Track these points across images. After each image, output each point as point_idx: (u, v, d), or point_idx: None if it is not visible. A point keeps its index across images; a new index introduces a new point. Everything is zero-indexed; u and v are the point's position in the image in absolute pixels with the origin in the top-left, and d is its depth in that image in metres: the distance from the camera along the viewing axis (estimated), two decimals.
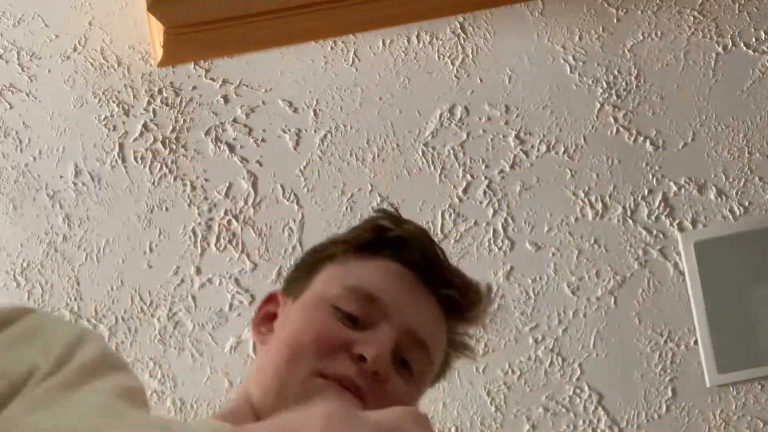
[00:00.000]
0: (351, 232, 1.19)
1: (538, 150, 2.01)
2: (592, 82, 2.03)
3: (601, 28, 2.05)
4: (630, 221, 2.00)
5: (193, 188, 1.97)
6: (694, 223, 2.00)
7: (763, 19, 2.06)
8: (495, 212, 1.99)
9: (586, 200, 2.00)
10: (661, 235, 2.00)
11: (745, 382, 1.97)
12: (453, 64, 2.02)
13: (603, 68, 2.04)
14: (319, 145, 1.99)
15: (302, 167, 1.99)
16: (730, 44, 2.06)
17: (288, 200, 1.98)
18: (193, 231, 1.96)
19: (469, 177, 2.00)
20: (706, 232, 1.99)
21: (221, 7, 1.93)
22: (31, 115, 1.96)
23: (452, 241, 1.98)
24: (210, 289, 1.95)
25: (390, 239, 1.14)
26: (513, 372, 1.95)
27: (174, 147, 1.97)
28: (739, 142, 2.03)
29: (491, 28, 2.03)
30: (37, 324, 0.72)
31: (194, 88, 1.99)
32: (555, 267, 1.99)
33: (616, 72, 2.04)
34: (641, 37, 2.05)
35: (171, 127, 1.98)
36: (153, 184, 1.96)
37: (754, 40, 2.06)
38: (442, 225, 1.98)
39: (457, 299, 1.14)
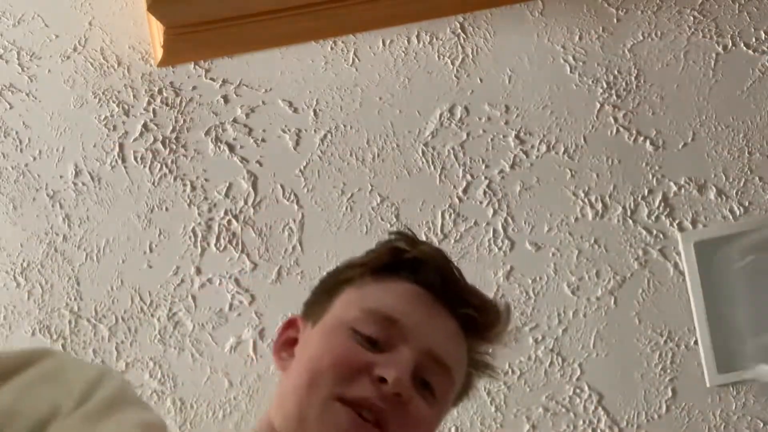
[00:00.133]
0: (367, 255, 1.19)
1: (538, 150, 2.01)
2: (592, 82, 2.03)
3: (601, 28, 2.05)
4: (630, 221, 2.00)
5: (193, 188, 1.97)
6: (694, 223, 2.00)
7: (763, 19, 2.06)
8: (495, 212, 1.99)
9: (586, 200, 2.00)
10: (661, 235, 2.00)
11: (745, 382, 1.97)
12: (453, 64, 2.02)
13: (603, 68, 2.04)
14: (319, 145, 1.99)
15: (302, 167, 1.99)
16: (730, 44, 2.06)
17: (288, 200, 1.98)
18: (193, 231, 1.96)
19: (469, 177, 2.00)
20: (706, 232, 1.99)
21: (221, 7, 1.93)
22: (31, 115, 1.96)
23: (452, 241, 1.98)
24: (210, 289, 1.95)
25: (406, 261, 1.15)
26: (513, 372, 1.95)
27: (174, 147, 1.97)
28: (739, 142, 2.03)
29: (491, 28, 2.03)
30: (58, 365, 0.73)
31: (194, 88, 1.99)
32: (555, 267, 1.99)
33: (616, 72, 2.04)
34: (641, 37, 2.05)
35: (171, 127, 1.98)
36: (153, 184, 1.96)
37: (754, 40, 2.06)
38: (442, 225, 1.98)
39: (475, 318, 1.14)
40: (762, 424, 1.97)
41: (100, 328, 1.92)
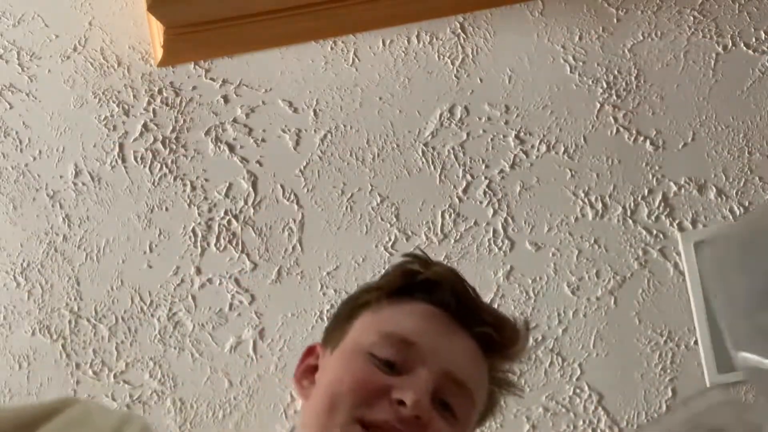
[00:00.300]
0: (382, 278, 1.20)
1: (538, 150, 2.01)
2: (592, 82, 2.03)
3: (601, 28, 2.05)
4: (630, 221, 2.00)
5: (193, 188, 1.97)
6: (694, 223, 2.00)
7: (763, 19, 2.07)
8: (495, 212, 1.99)
9: (586, 200, 2.00)
10: (661, 235, 2.00)
11: (745, 382, 1.97)
12: (453, 64, 2.02)
13: (603, 68, 2.04)
14: (319, 145, 1.99)
15: (302, 167, 1.99)
16: (730, 44, 2.06)
17: (288, 200, 1.98)
18: (193, 231, 1.96)
19: (469, 177, 2.00)
20: (706, 232, 1.99)
21: (221, 7, 1.93)
22: (31, 115, 1.96)
23: (452, 241, 1.98)
24: (210, 289, 1.95)
25: (421, 282, 1.15)
26: (513, 372, 1.95)
27: (174, 147, 1.97)
28: (739, 142, 2.03)
29: (491, 28, 2.03)
30: (84, 411, 0.77)
31: (194, 88, 1.99)
32: (555, 267, 1.99)
33: (616, 72, 2.04)
34: (641, 37, 2.05)
35: (171, 127, 1.98)
36: (153, 184, 1.96)
37: (754, 40, 2.06)
38: (442, 225, 1.98)
39: (493, 336, 1.15)
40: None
41: (100, 328, 1.92)
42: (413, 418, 1.05)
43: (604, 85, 2.03)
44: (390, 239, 1.97)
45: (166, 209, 1.96)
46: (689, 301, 1.97)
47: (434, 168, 2.00)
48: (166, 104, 1.98)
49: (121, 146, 1.97)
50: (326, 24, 1.99)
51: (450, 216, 1.99)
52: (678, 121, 2.03)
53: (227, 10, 1.93)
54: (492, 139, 2.01)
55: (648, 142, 2.02)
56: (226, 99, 1.99)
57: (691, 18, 2.06)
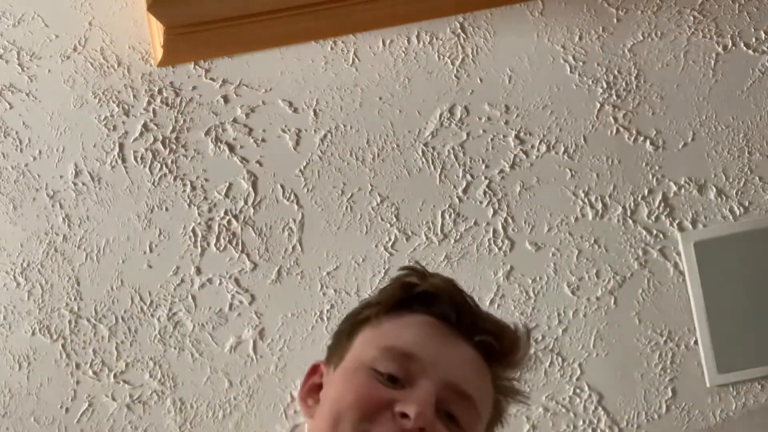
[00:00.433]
0: (381, 293, 1.20)
1: (538, 150, 2.01)
2: (592, 82, 2.03)
3: (601, 28, 2.05)
4: (630, 221, 2.00)
5: (193, 188, 1.96)
6: (694, 223, 2.00)
7: (763, 19, 2.06)
8: (495, 212, 1.99)
9: (586, 200, 2.00)
10: (661, 235, 2.00)
11: (745, 382, 1.97)
12: (453, 64, 2.02)
13: (603, 68, 2.04)
14: (319, 145, 1.99)
15: (302, 167, 1.98)
16: (730, 44, 2.06)
17: (288, 200, 1.98)
18: (193, 231, 1.96)
19: (469, 177, 2.00)
20: (706, 232, 1.99)
21: (221, 7, 1.92)
22: (31, 115, 1.96)
23: (452, 241, 1.98)
24: (210, 289, 1.95)
25: (419, 294, 1.16)
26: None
27: (174, 147, 1.97)
28: (739, 142, 2.03)
29: (491, 28, 2.03)
30: None
31: (194, 88, 1.99)
32: (555, 267, 1.99)
33: (616, 72, 2.04)
34: (641, 37, 2.05)
35: (171, 127, 1.98)
36: (153, 184, 1.96)
37: (754, 40, 2.06)
38: (442, 225, 1.98)
39: (494, 345, 1.15)
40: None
41: (100, 328, 1.92)
42: (417, 430, 1.05)
43: (604, 85, 2.03)
44: (390, 239, 1.97)
45: (166, 209, 1.96)
46: (689, 301, 1.97)
47: (434, 168, 2.00)
48: (166, 104, 1.98)
49: (121, 146, 1.96)
50: (326, 24, 1.98)
51: (450, 216, 1.99)
52: (678, 121, 2.03)
53: (227, 10, 1.93)
54: (492, 139, 2.01)
55: (648, 142, 2.02)
56: (226, 99, 1.99)
57: (691, 18, 2.06)
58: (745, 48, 2.06)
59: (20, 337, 1.91)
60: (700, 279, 1.97)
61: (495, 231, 1.99)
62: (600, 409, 1.96)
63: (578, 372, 1.97)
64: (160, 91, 1.98)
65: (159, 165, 1.96)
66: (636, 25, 2.05)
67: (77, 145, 1.96)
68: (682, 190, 2.01)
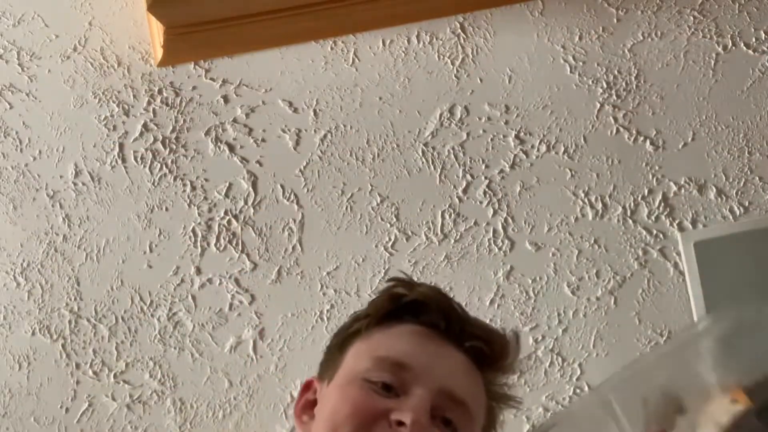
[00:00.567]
0: (370, 305, 1.21)
1: (538, 150, 2.01)
2: (592, 82, 2.03)
3: (601, 28, 2.05)
4: (630, 221, 2.00)
5: (193, 188, 1.97)
6: (694, 223, 2.00)
7: (763, 19, 2.07)
8: (495, 212, 1.99)
9: (586, 200, 2.00)
10: (661, 235, 2.00)
11: None
12: (453, 64, 2.02)
13: (603, 68, 2.04)
14: (319, 145, 1.99)
15: (302, 167, 1.99)
16: (730, 44, 2.06)
17: (288, 200, 1.98)
18: (193, 231, 1.96)
19: (469, 177, 2.00)
20: (706, 232, 1.99)
21: (221, 7, 1.92)
22: (31, 115, 1.96)
23: (452, 241, 1.98)
24: (210, 289, 1.95)
25: (407, 304, 1.16)
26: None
27: (174, 147, 1.97)
28: (739, 142, 2.03)
29: (491, 28, 2.03)
30: None
31: (194, 88, 1.99)
32: (555, 267, 1.99)
33: (616, 72, 2.04)
34: (641, 37, 2.05)
35: (171, 127, 1.98)
36: (153, 184, 1.96)
37: (754, 40, 2.06)
38: (442, 225, 1.98)
39: (483, 350, 1.16)
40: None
41: (100, 328, 1.92)
42: None
43: (604, 85, 2.03)
44: (390, 239, 1.97)
45: (166, 209, 1.96)
46: (689, 301, 1.97)
47: (434, 168, 2.00)
48: (166, 104, 1.98)
49: (121, 146, 1.96)
50: (326, 24, 1.98)
51: (450, 216, 1.99)
52: (678, 121, 2.03)
53: (227, 10, 1.93)
54: (492, 139, 2.01)
55: (648, 142, 2.02)
56: (226, 99, 1.99)
57: (691, 18, 2.06)
58: (745, 48, 2.06)
59: (20, 337, 1.91)
60: (700, 279, 1.97)
61: (495, 231, 1.99)
62: None
63: (578, 372, 1.97)
64: (160, 91, 1.98)
65: (159, 165, 1.96)
66: (636, 25, 2.05)
67: (77, 145, 1.96)
68: (682, 190, 2.01)
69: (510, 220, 1.99)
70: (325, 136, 1.99)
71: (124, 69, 1.98)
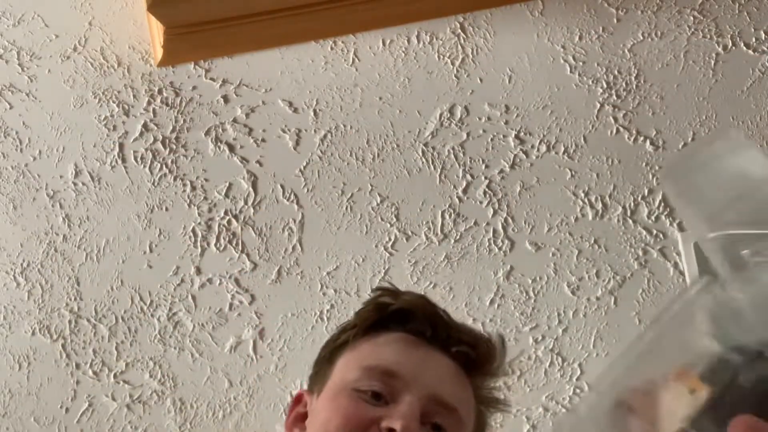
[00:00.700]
0: (356, 316, 1.22)
1: (538, 150, 2.01)
2: (592, 82, 2.03)
3: (601, 28, 2.05)
4: (630, 221, 2.00)
5: (193, 188, 1.97)
6: None
7: (763, 19, 2.07)
8: (495, 212, 1.99)
9: (586, 200, 2.00)
10: (661, 235, 2.00)
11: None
12: (453, 64, 2.02)
13: (603, 68, 2.04)
14: (319, 145, 1.99)
15: (302, 167, 1.99)
16: (730, 44, 2.06)
17: (288, 200, 1.98)
18: (193, 231, 1.96)
19: (469, 177, 2.00)
20: None
21: (221, 7, 1.92)
22: (31, 115, 1.96)
23: (452, 241, 1.98)
24: (210, 289, 1.95)
25: (393, 313, 1.18)
26: (513, 372, 1.95)
27: (174, 147, 1.97)
28: None
29: (491, 28, 2.03)
30: None
31: (194, 88, 1.99)
32: (555, 267, 1.99)
33: (616, 72, 2.04)
34: (641, 37, 2.05)
35: (171, 127, 1.98)
36: (153, 184, 1.96)
37: (754, 40, 2.06)
38: (442, 225, 1.98)
39: (470, 354, 1.17)
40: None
41: (100, 328, 1.92)
42: None
43: (604, 85, 2.03)
44: (390, 239, 1.97)
45: (166, 209, 1.96)
46: None
47: (434, 168, 2.00)
48: (166, 104, 1.98)
49: (121, 146, 1.97)
50: (326, 24, 1.99)
51: (450, 216, 1.99)
52: (678, 121, 2.03)
53: (227, 10, 1.93)
54: (492, 139, 2.01)
55: (648, 142, 2.02)
56: (226, 99, 1.99)
57: (691, 18, 2.06)
58: (745, 48, 2.06)
59: (20, 337, 1.91)
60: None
61: (495, 231, 1.99)
62: None
63: (578, 372, 1.97)
64: (160, 91, 1.98)
65: (159, 165, 1.96)
66: (636, 25, 2.05)
67: (77, 145, 1.96)
68: None
69: (510, 220, 1.99)
70: (325, 136, 1.99)
71: (124, 69, 1.98)
